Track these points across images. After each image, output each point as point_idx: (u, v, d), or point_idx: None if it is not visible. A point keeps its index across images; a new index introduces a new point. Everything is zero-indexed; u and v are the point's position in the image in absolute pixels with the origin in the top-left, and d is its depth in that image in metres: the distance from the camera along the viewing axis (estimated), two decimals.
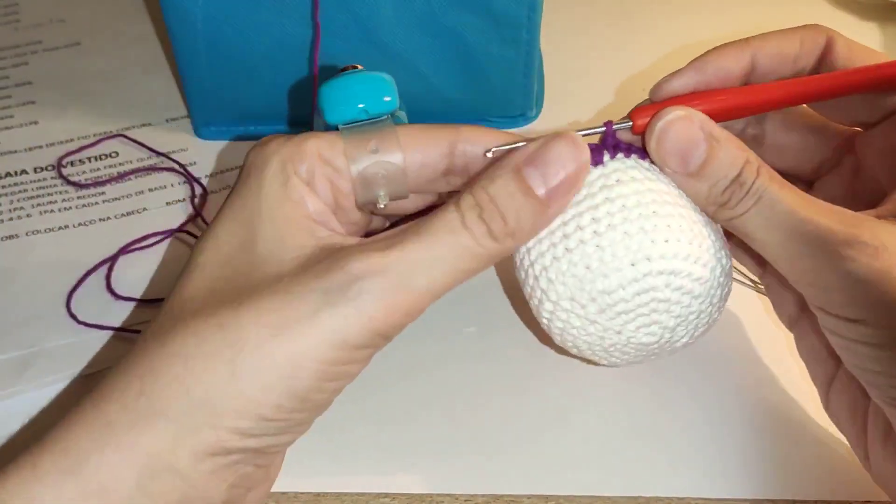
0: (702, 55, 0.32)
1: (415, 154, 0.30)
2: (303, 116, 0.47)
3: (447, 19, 0.43)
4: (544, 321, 0.32)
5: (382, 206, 0.30)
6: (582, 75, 0.54)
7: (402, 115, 0.32)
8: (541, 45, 0.48)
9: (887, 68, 0.31)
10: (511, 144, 0.29)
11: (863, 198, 0.29)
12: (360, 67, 0.31)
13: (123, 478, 0.24)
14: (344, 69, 0.31)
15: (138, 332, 0.38)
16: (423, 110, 0.41)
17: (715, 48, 0.32)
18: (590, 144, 0.31)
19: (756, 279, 0.40)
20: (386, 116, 0.30)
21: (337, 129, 0.30)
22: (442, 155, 0.30)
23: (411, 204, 0.32)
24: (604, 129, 0.31)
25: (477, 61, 0.45)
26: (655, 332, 0.31)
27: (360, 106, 0.30)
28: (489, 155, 0.29)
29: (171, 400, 0.25)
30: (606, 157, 0.31)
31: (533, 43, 0.45)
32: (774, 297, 0.35)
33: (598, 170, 0.31)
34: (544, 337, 0.37)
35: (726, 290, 0.32)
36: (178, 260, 0.42)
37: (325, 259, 0.26)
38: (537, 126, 0.50)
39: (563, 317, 0.31)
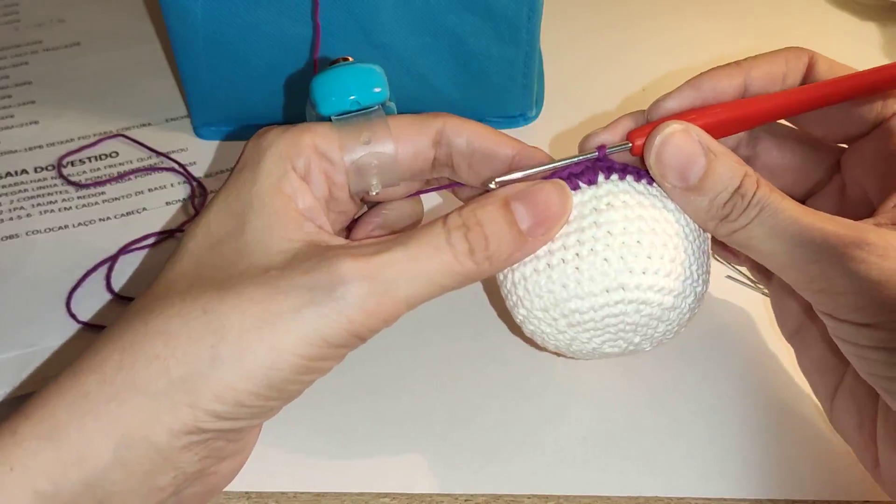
0: (696, 76, 0.33)
1: (406, 144, 0.31)
2: (302, 116, 0.47)
3: (447, 19, 0.43)
4: (517, 320, 0.33)
5: (375, 193, 0.31)
6: (582, 76, 0.54)
7: (392, 105, 0.33)
8: (541, 45, 0.48)
9: (873, 74, 0.31)
10: (515, 175, 0.30)
11: (850, 216, 0.30)
12: (350, 59, 0.32)
13: (101, 447, 0.25)
14: (334, 62, 0.32)
15: None
16: (422, 110, 0.41)
17: (708, 70, 0.33)
18: (585, 165, 0.31)
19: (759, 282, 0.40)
20: (377, 107, 0.31)
21: (329, 120, 0.31)
22: (430, 144, 0.31)
23: (402, 190, 0.33)
24: (597, 154, 0.31)
25: (476, 61, 0.45)
26: (620, 346, 0.33)
27: (352, 98, 0.30)
28: (493, 186, 0.30)
29: (151, 377, 0.25)
30: (601, 177, 0.31)
31: (533, 43, 0.45)
32: (778, 307, 0.36)
33: (591, 190, 0.31)
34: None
35: (695, 312, 0.33)
36: None
37: (312, 257, 0.27)
38: (537, 126, 0.50)
39: (535, 322, 0.32)
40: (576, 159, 0.31)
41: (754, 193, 0.29)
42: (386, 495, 0.33)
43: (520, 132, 0.49)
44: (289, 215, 0.28)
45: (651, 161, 0.30)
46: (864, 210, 0.32)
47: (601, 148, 0.31)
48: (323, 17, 0.42)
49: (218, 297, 0.26)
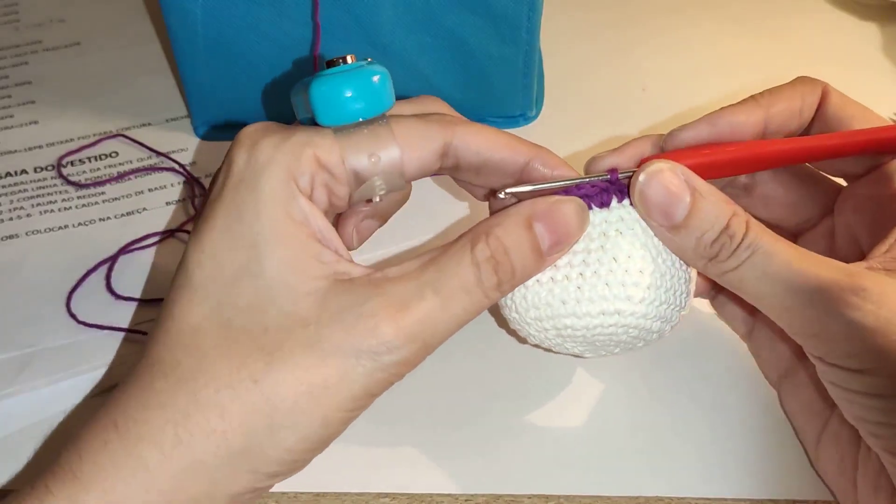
0: (715, 111, 0.32)
1: (411, 156, 0.30)
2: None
3: (447, 19, 0.43)
4: (506, 319, 0.34)
5: (378, 200, 0.31)
6: (582, 75, 0.54)
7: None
8: (541, 45, 0.48)
9: (884, 132, 0.31)
10: (525, 187, 0.30)
11: (838, 260, 0.30)
12: (349, 60, 0.29)
13: None
14: (332, 62, 0.29)
15: (137, 331, 0.38)
16: None
17: (727, 106, 0.33)
18: (599, 184, 0.31)
19: None
20: (381, 115, 0.29)
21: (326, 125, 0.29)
22: (437, 157, 0.30)
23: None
24: (608, 176, 0.31)
25: (477, 61, 0.45)
26: (599, 354, 0.34)
27: (357, 107, 0.28)
28: (502, 196, 0.30)
29: (211, 450, 0.26)
30: (614, 200, 0.31)
31: (533, 43, 0.45)
32: (763, 354, 0.36)
33: (603, 213, 0.31)
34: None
35: (673, 330, 0.33)
36: (177, 260, 0.42)
37: (346, 307, 0.26)
38: (537, 126, 0.50)
39: (524, 326, 0.33)
40: (587, 179, 0.31)
41: (744, 235, 0.29)
42: (386, 495, 0.33)
43: (520, 132, 0.49)
44: (305, 247, 0.27)
45: (636, 199, 0.30)
46: (852, 255, 0.32)
47: (613, 171, 0.31)
48: (323, 17, 0.42)
49: (264, 363, 0.26)
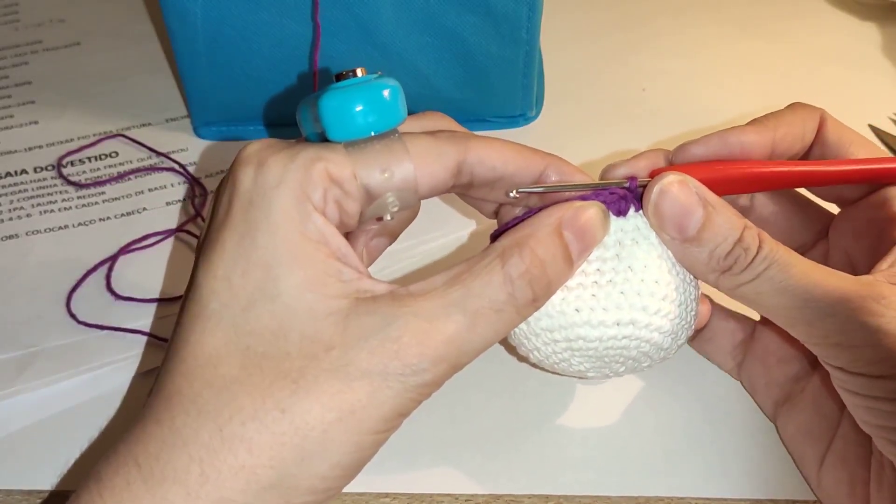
0: (724, 129, 0.32)
1: (424, 175, 0.29)
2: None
3: (447, 19, 0.43)
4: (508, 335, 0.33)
5: (390, 218, 0.29)
6: (582, 76, 0.54)
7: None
8: (541, 45, 0.48)
9: (886, 162, 0.31)
10: (537, 189, 0.30)
11: None
12: (359, 73, 0.28)
13: None
14: (342, 75, 0.29)
15: (137, 332, 0.38)
16: (423, 110, 0.41)
17: (737, 126, 0.33)
18: (616, 191, 0.31)
19: None
20: (393, 129, 0.28)
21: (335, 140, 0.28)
22: (450, 173, 0.30)
23: None
24: (628, 183, 0.31)
25: (477, 61, 0.45)
26: (603, 373, 0.33)
27: (370, 121, 0.27)
28: (513, 195, 0.30)
29: (240, 487, 0.25)
30: (631, 209, 0.31)
31: (533, 42, 0.45)
32: (757, 385, 0.36)
33: (620, 222, 0.30)
34: None
35: (679, 350, 0.33)
36: (177, 260, 0.42)
37: (368, 328, 0.26)
38: (537, 126, 0.50)
39: (532, 338, 0.32)
40: (606, 185, 0.31)
41: (759, 248, 0.28)
42: (386, 495, 0.33)
43: (520, 132, 0.49)
44: (324, 266, 0.26)
45: (649, 212, 0.30)
46: None
47: (632, 179, 0.31)
48: (323, 17, 0.42)
49: (290, 391, 0.25)
